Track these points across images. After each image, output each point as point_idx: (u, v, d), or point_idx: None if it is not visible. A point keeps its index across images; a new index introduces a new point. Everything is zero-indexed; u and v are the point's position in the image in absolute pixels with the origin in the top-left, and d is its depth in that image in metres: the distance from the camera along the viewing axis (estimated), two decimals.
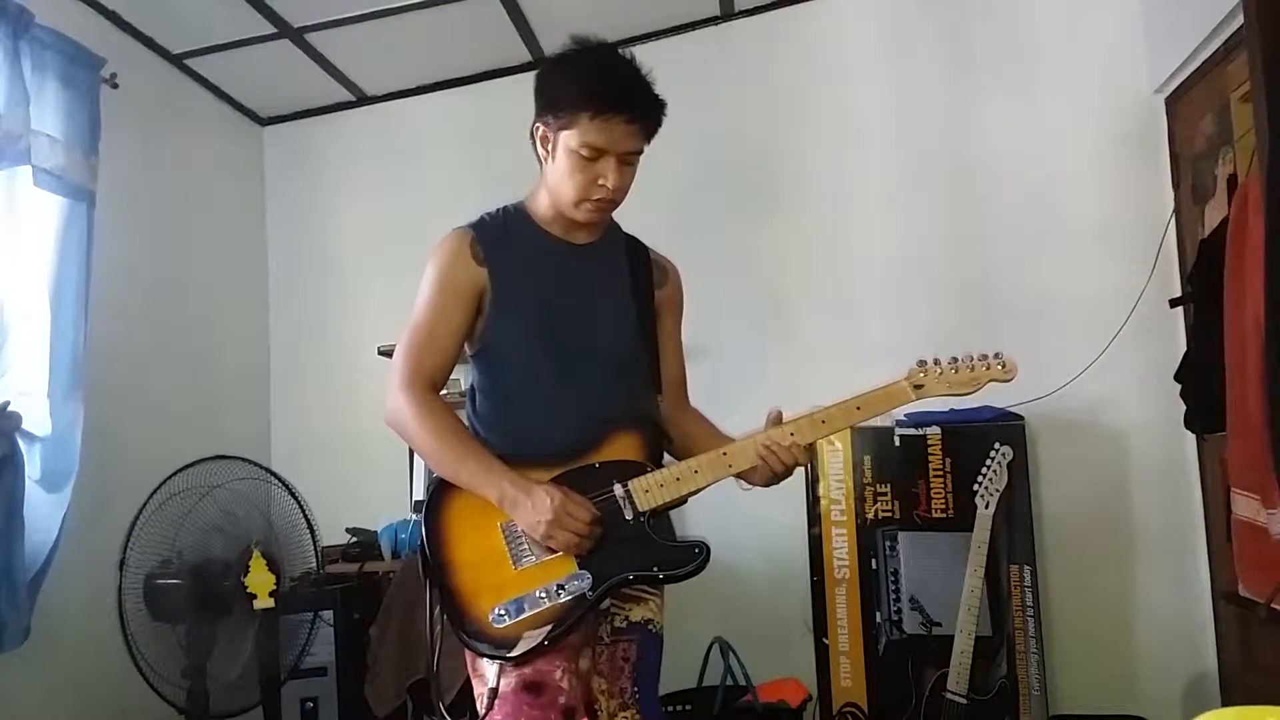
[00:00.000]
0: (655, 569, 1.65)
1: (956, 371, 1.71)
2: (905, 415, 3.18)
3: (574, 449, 1.70)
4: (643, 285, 1.84)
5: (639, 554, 1.66)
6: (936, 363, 1.71)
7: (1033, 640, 3.04)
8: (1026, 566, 3.07)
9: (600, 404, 1.72)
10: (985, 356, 1.71)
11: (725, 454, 1.70)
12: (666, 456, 1.79)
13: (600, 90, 1.67)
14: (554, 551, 1.64)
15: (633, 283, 1.83)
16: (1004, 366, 1.71)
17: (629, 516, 1.66)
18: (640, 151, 1.73)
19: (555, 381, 1.72)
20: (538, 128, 1.74)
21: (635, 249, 1.88)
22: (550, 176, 1.74)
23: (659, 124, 1.74)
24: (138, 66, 3.35)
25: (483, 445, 1.71)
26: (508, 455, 1.69)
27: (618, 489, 1.66)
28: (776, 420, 1.71)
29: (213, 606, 2.61)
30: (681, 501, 1.71)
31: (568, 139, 1.68)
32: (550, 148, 1.72)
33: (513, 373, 1.75)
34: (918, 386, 1.71)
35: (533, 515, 1.61)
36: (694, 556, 1.65)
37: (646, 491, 1.67)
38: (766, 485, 1.73)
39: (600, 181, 1.69)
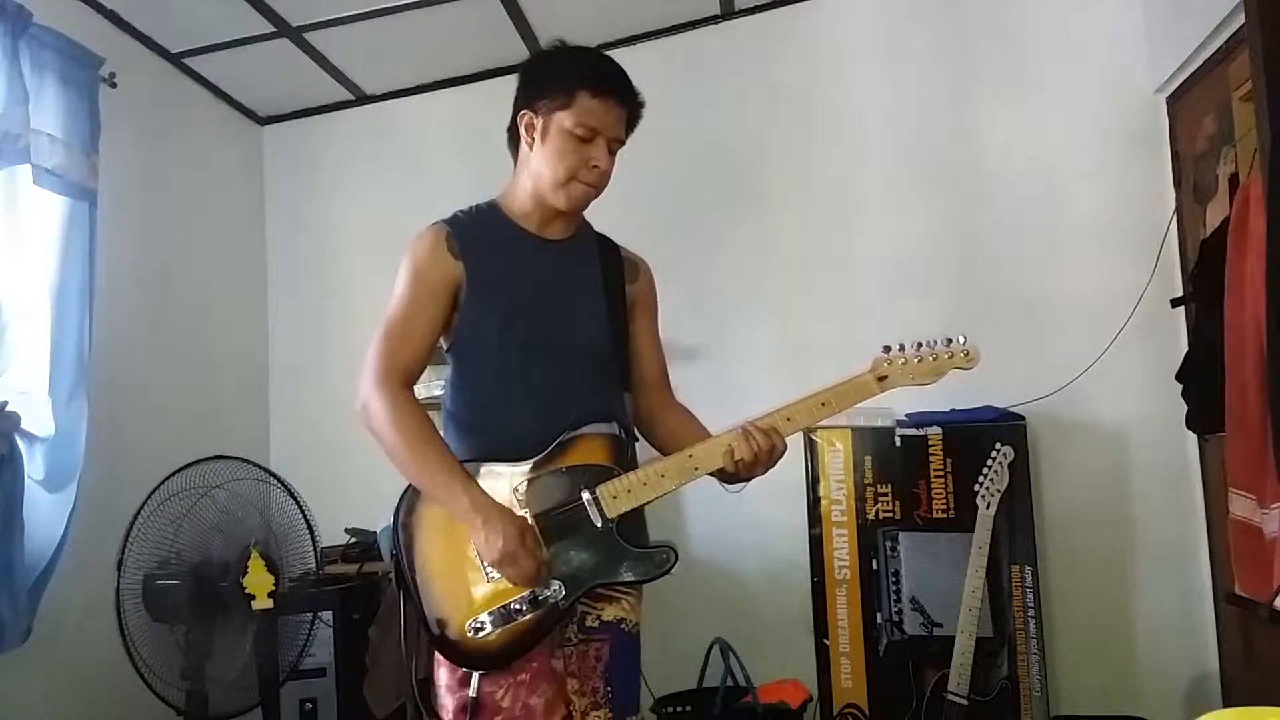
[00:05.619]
0: (623, 576, 1.68)
1: (920, 360, 1.71)
2: (906, 415, 3.18)
3: (543, 449, 1.69)
4: (614, 281, 1.85)
5: (607, 561, 1.67)
6: (901, 348, 1.71)
7: (1034, 641, 3.04)
8: (1028, 567, 3.07)
9: (570, 403, 1.72)
10: (950, 342, 1.70)
11: (691, 456, 1.71)
12: (645, 451, 1.79)
13: (601, 71, 1.75)
14: None
15: (604, 278, 1.84)
16: (967, 354, 1.70)
17: (597, 523, 1.66)
18: (623, 142, 1.78)
19: (525, 379, 1.73)
20: (523, 115, 1.77)
21: (606, 246, 1.90)
22: (535, 162, 1.76)
23: (639, 119, 1.80)
24: (136, 66, 3.33)
25: (450, 451, 1.70)
26: (479, 454, 1.70)
27: (585, 496, 1.66)
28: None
29: (211, 607, 2.60)
30: (648, 502, 1.71)
31: (562, 119, 1.72)
32: (538, 132, 1.75)
33: (484, 368, 1.76)
34: (881, 378, 1.72)
35: (481, 543, 1.62)
36: (662, 563, 1.68)
37: (614, 498, 1.67)
38: (747, 477, 1.71)
39: (593, 164, 1.73)
